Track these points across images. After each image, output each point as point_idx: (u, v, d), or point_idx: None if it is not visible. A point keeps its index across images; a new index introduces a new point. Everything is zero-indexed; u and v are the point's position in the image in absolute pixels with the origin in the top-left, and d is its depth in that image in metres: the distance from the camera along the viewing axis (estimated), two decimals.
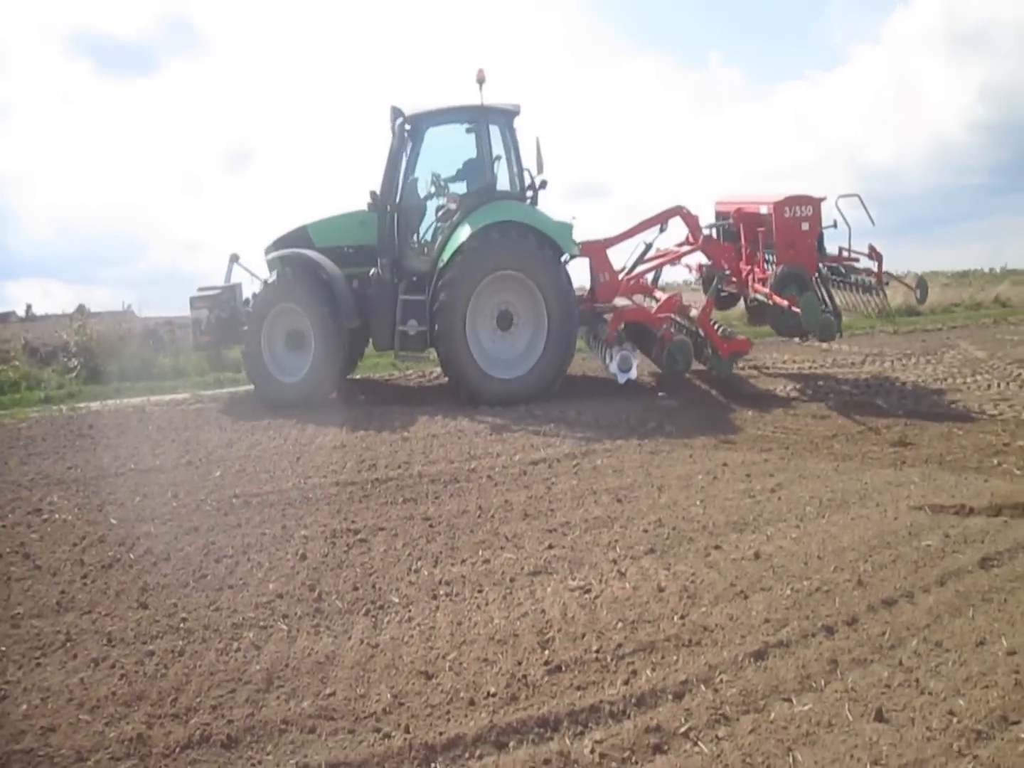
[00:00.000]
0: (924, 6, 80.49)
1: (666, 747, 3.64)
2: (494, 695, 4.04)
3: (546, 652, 4.44)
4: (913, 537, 6.08)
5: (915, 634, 4.63)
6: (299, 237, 11.60)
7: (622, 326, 12.12)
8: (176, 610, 5.04)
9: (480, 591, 5.28)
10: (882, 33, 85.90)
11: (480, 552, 5.91)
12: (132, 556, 5.93)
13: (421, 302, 11.05)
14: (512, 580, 5.44)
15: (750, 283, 12.17)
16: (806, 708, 3.89)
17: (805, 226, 11.91)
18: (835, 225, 12.22)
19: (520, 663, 4.34)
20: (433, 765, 3.54)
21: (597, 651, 4.45)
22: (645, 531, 6.26)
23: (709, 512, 6.67)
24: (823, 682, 4.12)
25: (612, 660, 4.37)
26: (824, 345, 15.24)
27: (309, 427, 9.71)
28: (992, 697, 3.93)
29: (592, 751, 3.61)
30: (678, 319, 11.91)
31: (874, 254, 12.15)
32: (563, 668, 4.29)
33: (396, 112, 11.31)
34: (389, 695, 4.04)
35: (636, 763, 3.55)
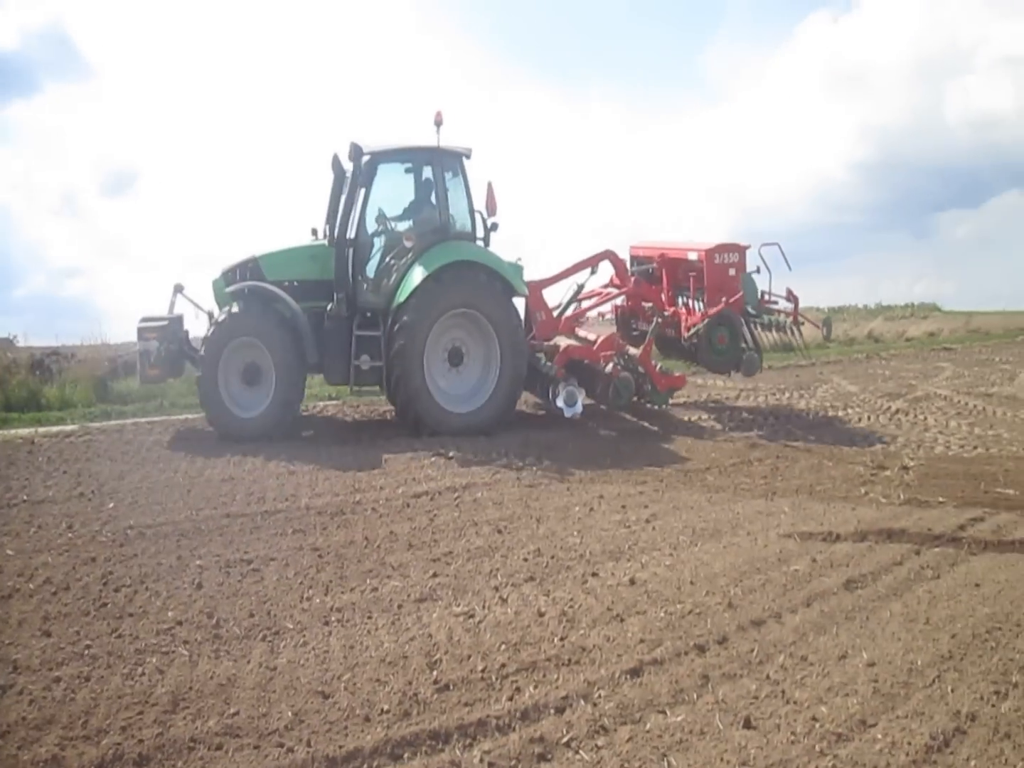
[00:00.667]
0: (805, 47, 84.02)
1: (549, 756, 4.01)
2: (388, 712, 4.36)
3: (434, 672, 4.79)
4: (782, 563, 6.66)
5: (782, 650, 5.14)
6: (249, 269, 11.60)
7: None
8: (79, 637, 5.19)
9: (370, 617, 5.59)
10: (765, 72, 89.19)
11: (368, 581, 6.22)
12: (31, 586, 6.02)
13: (376, 338, 11.35)
14: (399, 607, 5.77)
15: (684, 324, 13.07)
16: (679, 719, 4.33)
17: (732, 271, 13.00)
18: (758, 270, 13.33)
19: (410, 683, 4.67)
20: None
21: (482, 671, 4.82)
22: (525, 560, 6.68)
23: (586, 542, 7.13)
24: (695, 695, 4.57)
25: (496, 679, 4.74)
26: (720, 381, 16.32)
27: (198, 460, 9.82)
28: (852, 704, 4.44)
29: (481, 761, 3.95)
30: (618, 357, 12.57)
31: (791, 296, 13.30)
32: (451, 687, 4.64)
33: (356, 149, 11.55)
34: (290, 713, 4.32)
35: None
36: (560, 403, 11.82)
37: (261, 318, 11.16)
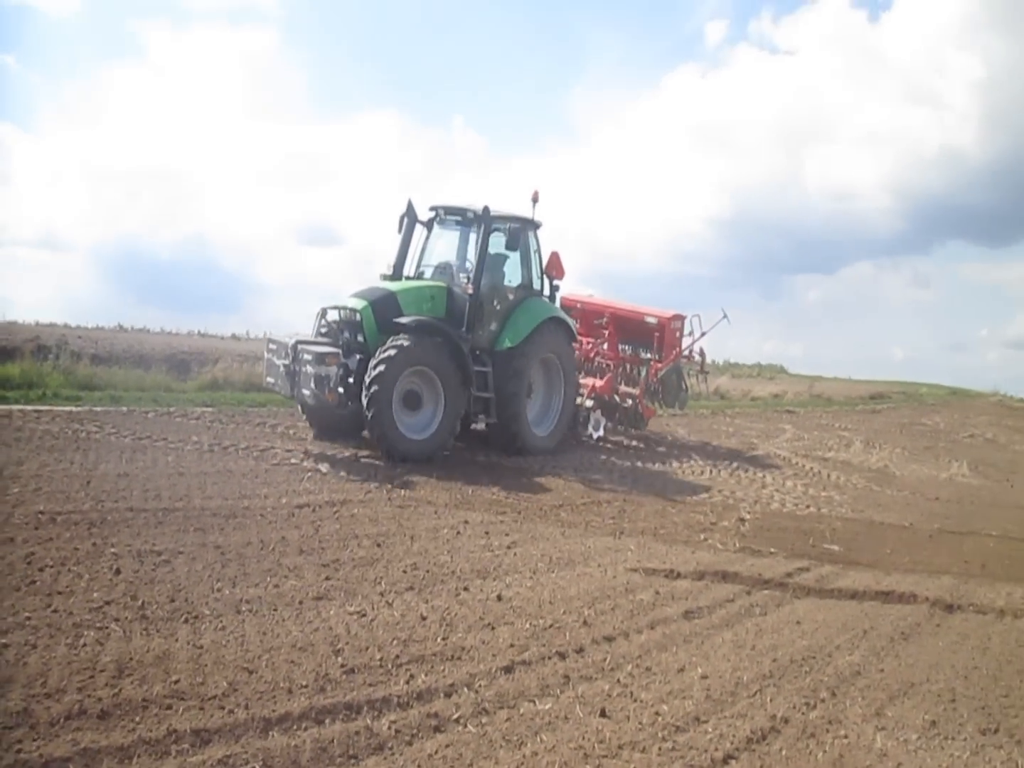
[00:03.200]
0: (670, 98, 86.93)
1: (443, 728, 4.95)
2: (306, 687, 5.20)
3: (340, 658, 5.64)
4: (629, 592, 7.78)
5: (629, 661, 6.23)
6: (387, 302, 12.91)
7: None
8: (17, 610, 5.77)
9: (275, 610, 6.37)
10: (626, 118, 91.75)
11: (269, 579, 6.99)
12: None
13: (485, 373, 13.50)
14: (300, 603, 6.57)
15: (652, 370, 17.31)
16: (547, 707, 5.35)
17: (678, 334, 17.62)
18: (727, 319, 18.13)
19: (321, 665, 5.51)
20: (271, 732, 4.67)
21: (380, 660, 5.71)
22: (404, 572, 7.59)
23: (456, 560, 8.09)
24: (558, 690, 5.60)
25: (393, 667, 5.65)
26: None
27: (90, 453, 10.28)
28: (688, 705, 5.55)
29: (389, 728, 4.87)
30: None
31: (701, 353, 18.44)
32: (356, 670, 5.51)
33: (486, 210, 13.78)
34: (224, 683, 5.10)
35: (422, 738, 4.83)
36: (590, 428, 16.24)
37: (433, 349, 12.61)
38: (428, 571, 7.70)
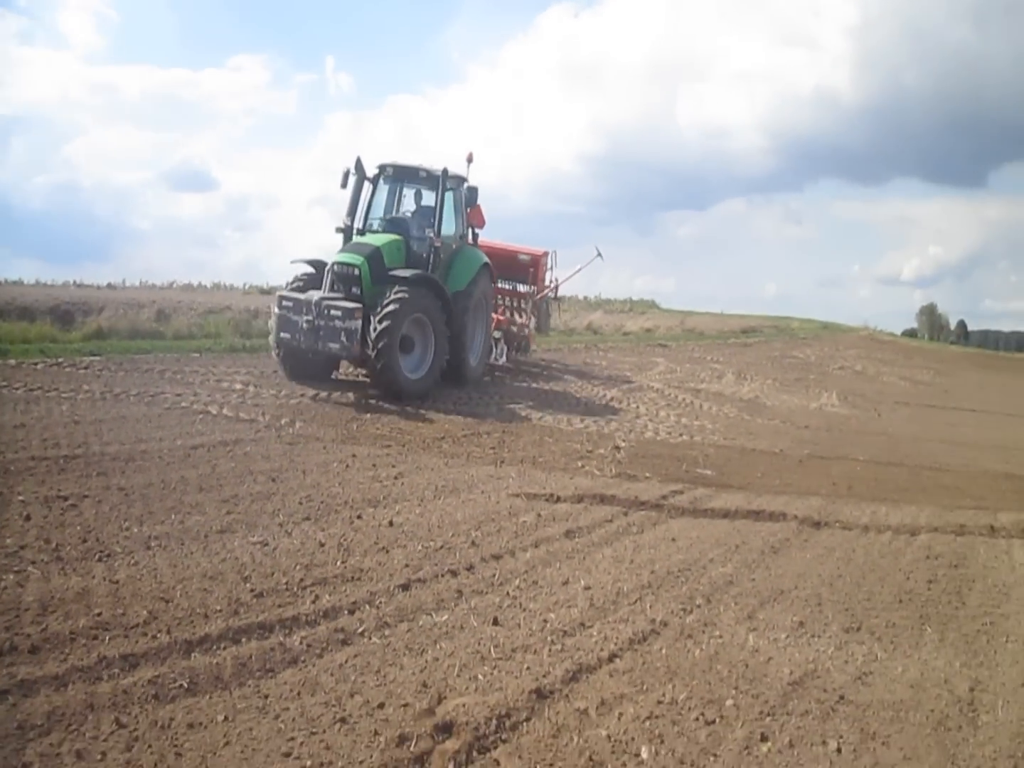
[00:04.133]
0: (540, 37, 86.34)
1: (350, 641, 5.50)
2: (220, 611, 5.67)
3: (248, 584, 6.13)
4: (512, 515, 8.45)
5: (517, 576, 6.89)
6: (375, 254, 14.28)
7: None
8: None
9: (183, 544, 6.78)
10: (500, 58, 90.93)
11: (173, 516, 7.37)
12: None
13: None
14: (206, 536, 6.99)
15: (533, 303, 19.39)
16: (443, 619, 5.97)
17: (544, 269, 19.46)
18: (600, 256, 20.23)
19: (231, 592, 5.98)
20: (194, 654, 5.15)
21: (286, 584, 6.24)
22: (300, 503, 8.08)
23: (347, 491, 8.62)
24: (453, 604, 6.23)
25: (298, 590, 6.17)
26: None
27: None
28: (573, 613, 6.24)
29: (300, 643, 5.40)
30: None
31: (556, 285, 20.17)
32: (264, 594, 6.01)
33: (444, 171, 15.27)
34: (144, 612, 5.53)
35: (331, 651, 5.37)
36: (494, 356, 17.73)
37: (425, 298, 14.15)
38: (322, 502, 8.21)
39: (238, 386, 13.26)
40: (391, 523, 7.81)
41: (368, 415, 12.53)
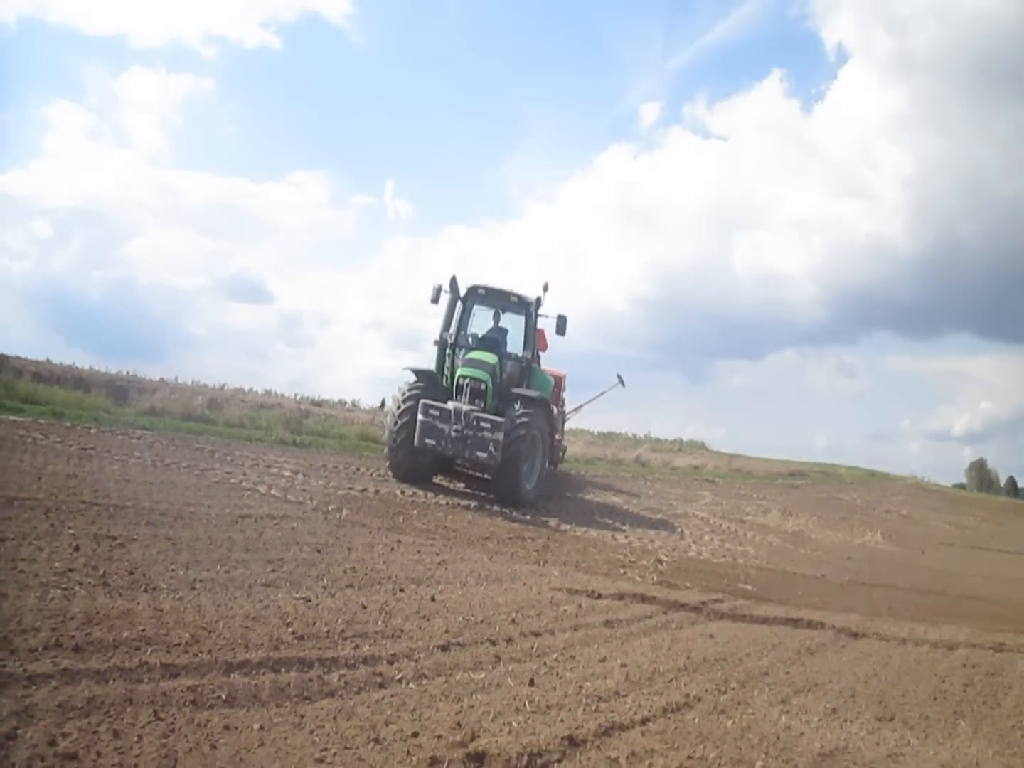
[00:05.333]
0: (600, 176, 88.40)
1: (387, 685, 5.44)
2: (261, 645, 5.65)
3: (290, 629, 6.11)
4: (553, 605, 8.38)
5: (555, 651, 6.82)
6: (494, 370, 15.62)
7: None
8: None
9: (227, 590, 6.80)
10: (558, 195, 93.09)
11: (219, 567, 7.41)
12: None
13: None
14: (250, 587, 7.01)
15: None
16: (480, 677, 5.89)
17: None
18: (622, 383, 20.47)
19: (273, 632, 5.96)
20: (233, 674, 5.12)
21: (327, 632, 6.21)
22: (344, 572, 8.08)
23: (391, 569, 8.60)
24: (491, 667, 6.15)
25: (339, 639, 6.14)
26: None
27: (39, 456, 10.56)
28: (609, 683, 6.14)
29: (339, 680, 5.36)
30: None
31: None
32: (306, 638, 5.99)
33: (537, 300, 16.39)
34: (187, 635, 5.53)
35: (368, 690, 5.33)
36: None
37: (542, 418, 15.89)
38: (366, 575, 8.18)
39: (287, 473, 13.40)
40: (433, 599, 7.76)
41: (415, 511, 12.56)
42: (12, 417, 13.48)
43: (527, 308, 16.44)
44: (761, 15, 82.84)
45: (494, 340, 16.63)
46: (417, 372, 15.76)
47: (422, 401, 14.61)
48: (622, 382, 20.15)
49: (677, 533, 15.53)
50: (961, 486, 61.98)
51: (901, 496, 32.51)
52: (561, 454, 19.38)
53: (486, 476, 16.82)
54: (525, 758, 4.67)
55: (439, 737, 4.75)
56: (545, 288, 16.47)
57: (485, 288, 16.75)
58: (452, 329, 16.50)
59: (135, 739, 4.10)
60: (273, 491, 11.62)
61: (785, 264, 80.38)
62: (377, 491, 13.62)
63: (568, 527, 14.20)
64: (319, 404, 24.42)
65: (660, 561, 12.11)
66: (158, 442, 13.84)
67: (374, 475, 15.19)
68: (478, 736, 4.83)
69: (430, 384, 15.58)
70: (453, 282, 16.26)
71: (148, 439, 13.85)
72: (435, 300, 16.28)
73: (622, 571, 10.97)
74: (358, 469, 15.43)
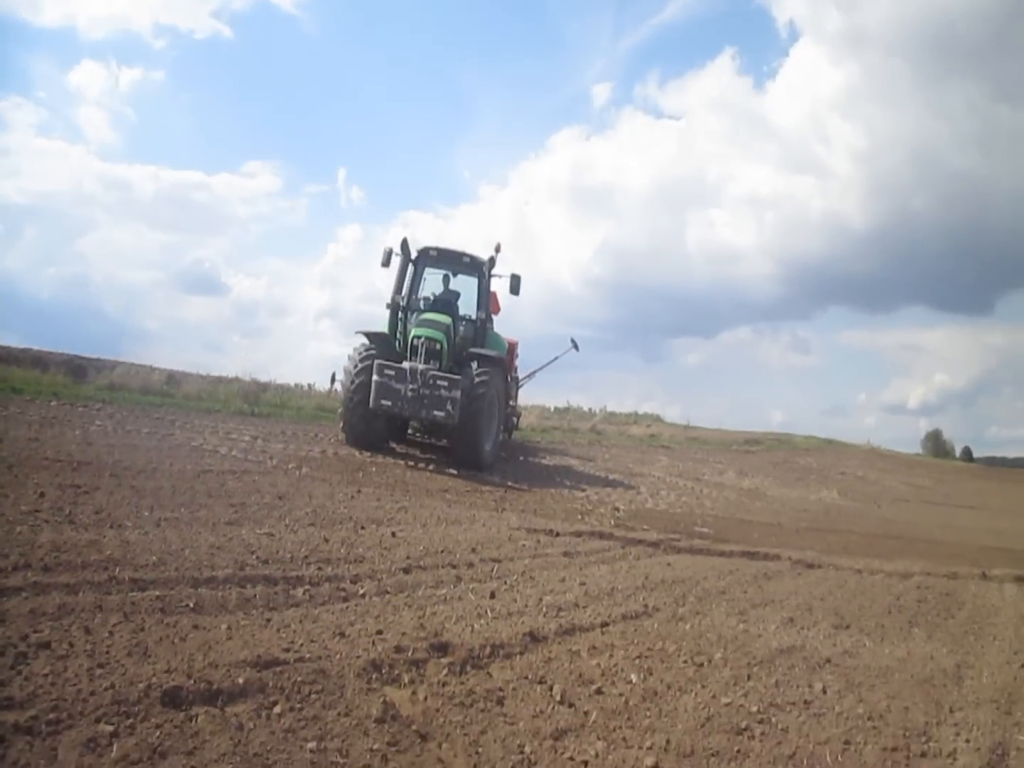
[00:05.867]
0: (551, 160, 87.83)
1: (350, 599, 5.69)
2: (227, 567, 5.81)
3: (254, 555, 6.28)
4: (512, 541, 8.64)
5: (515, 574, 7.11)
6: (448, 330, 15.31)
7: None
8: None
9: (192, 526, 6.94)
10: (511, 178, 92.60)
11: (182, 509, 7.49)
12: None
13: None
14: (213, 525, 7.12)
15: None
16: (442, 592, 6.18)
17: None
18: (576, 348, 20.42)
19: (238, 558, 6.11)
20: (201, 588, 5.30)
21: (291, 558, 6.40)
22: (306, 514, 8.25)
23: (352, 513, 8.77)
24: (452, 585, 6.44)
25: (302, 563, 6.34)
26: None
27: None
28: (568, 598, 6.45)
29: (303, 594, 5.59)
30: None
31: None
32: (270, 562, 6.19)
33: (491, 260, 16.36)
34: (153, 558, 5.68)
35: (332, 602, 5.55)
36: None
37: (499, 379, 15.72)
38: (327, 517, 8.36)
39: (247, 438, 13.46)
40: (394, 535, 7.97)
41: (374, 468, 12.73)
42: None
43: (479, 269, 16.35)
44: None
45: (447, 301, 16.49)
46: (369, 335, 15.46)
47: (376, 361, 14.34)
48: (576, 346, 20.28)
49: (634, 489, 15.81)
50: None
51: (857, 460, 33.18)
52: (516, 420, 19.41)
53: (442, 443, 16.86)
54: (488, 648, 4.96)
55: (403, 634, 5.00)
56: (497, 249, 16.48)
57: (436, 249, 16.56)
58: (404, 292, 16.26)
59: (106, 635, 4.28)
60: (234, 452, 11.71)
61: (738, 241, 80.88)
62: (336, 453, 13.71)
63: (525, 485, 14.40)
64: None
65: (617, 509, 12.42)
66: (118, 413, 13.80)
67: (332, 440, 15.21)
68: (440, 634, 5.07)
69: (384, 346, 15.34)
70: (404, 244, 16.10)
71: (108, 410, 13.81)
72: (386, 263, 16.07)
73: (580, 517, 11.25)
74: (316, 435, 15.49)
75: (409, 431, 17.63)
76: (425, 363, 14.62)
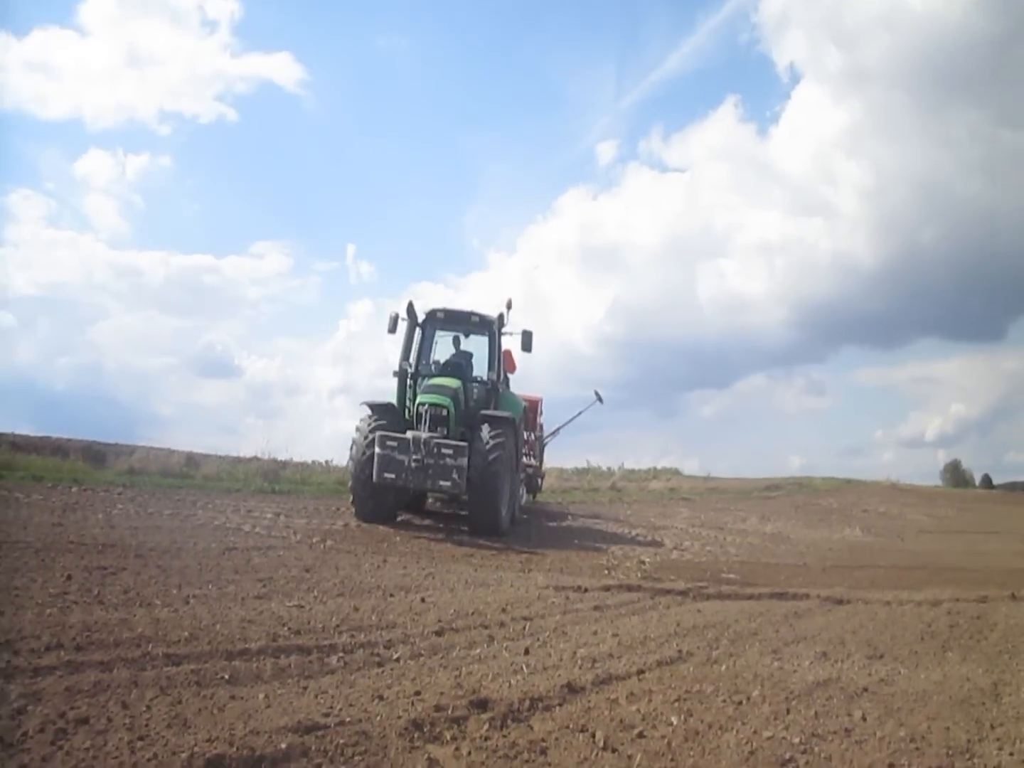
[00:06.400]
0: (558, 221, 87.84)
1: (385, 664, 5.60)
2: (259, 640, 5.76)
3: (286, 627, 6.22)
4: (542, 599, 8.55)
5: (547, 631, 7.02)
6: (457, 395, 14.63)
7: None
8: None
9: (220, 602, 6.88)
10: (519, 243, 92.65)
11: (211, 586, 7.46)
12: None
13: None
14: (243, 599, 7.08)
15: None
16: (476, 652, 6.11)
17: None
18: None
19: (270, 631, 6.05)
20: (235, 661, 5.23)
21: (322, 627, 6.35)
22: (334, 585, 8.19)
23: (379, 581, 8.69)
24: (485, 645, 6.36)
25: (334, 632, 6.28)
26: None
27: (23, 510, 10.63)
28: (602, 650, 6.37)
29: (338, 661, 5.52)
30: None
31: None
32: (302, 632, 6.13)
33: (500, 317, 15.68)
34: (186, 634, 5.64)
35: (367, 668, 5.48)
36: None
37: (512, 441, 14.84)
38: (355, 587, 8.28)
39: (269, 515, 13.42)
40: (423, 600, 7.90)
41: (398, 538, 12.64)
42: None
43: (489, 327, 15.66)
44: (712, 43, 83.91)
45: (457, 364, 15.81)
46: (372, 406, 14.73)
47: (379, 433, 13.59)
48: (600, 399, 20.23)
49: (658, 542, 15.62)
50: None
51: (877, 497, 32.84)
52: (540, 481, 19.25)
53: (461, 512, 16.28)
54: (527, 702, 4.88)
55: (441, 693, 4.94)
56: (509, 305, 15.76)
57: (443, 311, 15.88)
58: (412, 358, 15.50)
59: (144, 708, 4.24)
60: (257, 529, 11.68)
61: (749, 289, 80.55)
62: (359, 525, 13.60)
63: (549, 545, 14.19)
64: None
65: (643, 562, 12.29)
66: (139, 496, 13.83)
67: (354, 514, 15.13)
68: (479, 691, 5.00)
69: (388, 416, 14.53)
70: (410, 308, 15.49)
71: (129, 494, 13.85)
72: (392, 330, 15.35)
73: (606, 572, 11.13)
74: (338, 509, 15.37)
75: (429, 500, 17.24)
76: (431, 431, 13.91)
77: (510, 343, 16.17)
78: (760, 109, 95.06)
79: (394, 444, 13.39)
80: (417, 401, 14.47)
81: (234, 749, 3.72)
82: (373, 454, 13.47)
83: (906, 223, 72.20)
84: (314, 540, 11.36)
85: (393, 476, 13.35)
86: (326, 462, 22.11)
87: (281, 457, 20.52)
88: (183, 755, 3.61)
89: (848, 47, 71.40)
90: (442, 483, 13.38)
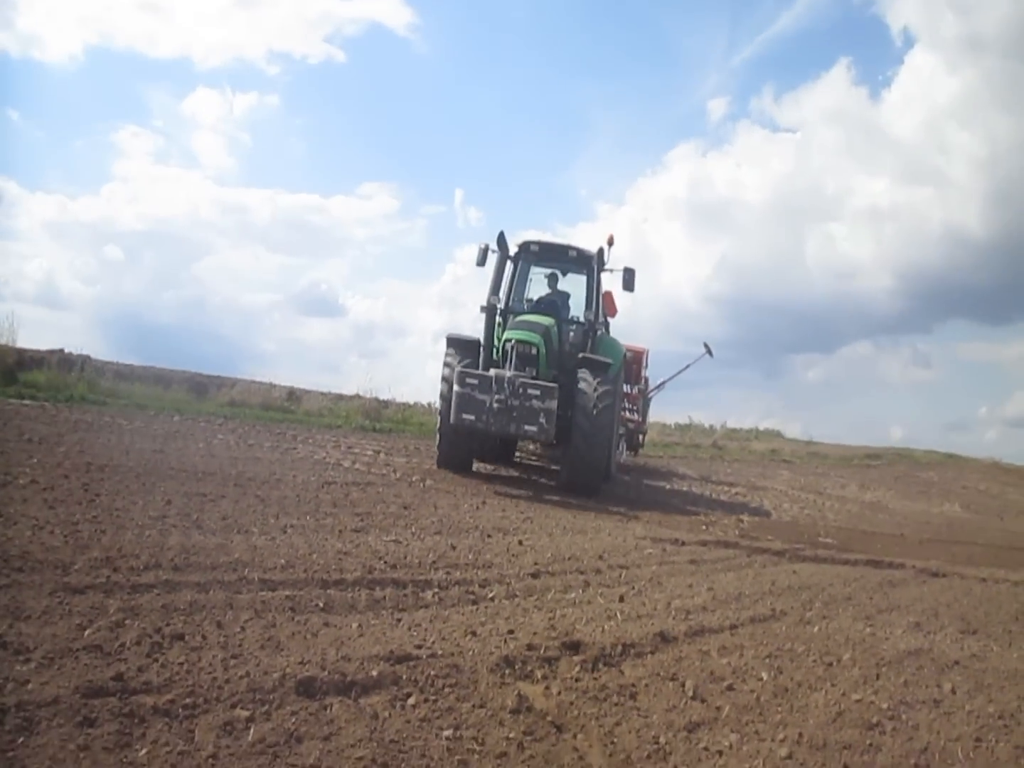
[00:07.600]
0: (667, 176, 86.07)
1: (479, 602, 5.51)
2: (355, 571, 5.68)
3: (382, 561, 6.15)
4: (638, 549, 8.38)
5: (643, 580, 6.86)
6: (548, 333, 13.07)
7: None
8: (82, 511, 6.29)
9: (318, 533, 6.88)
10: (627, 196, 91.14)
11: (309, 517, 7.48)
12: (22, 483, 7.14)
13: None
14: (340, 532, 7.04)
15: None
16: (571, 596, 5.97)
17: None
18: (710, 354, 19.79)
19: (366, 563, 5.98)
20: (330, 590, 5.18)
21: (419, 563, 6.26)
22: (431, 523, 8.13)
23: (478, 522, 8.60)
24: (580, 589, 6.23)
25: (430, 568, 6.19)
26: None
27: (125, 437, 10.87)
28: (695, 603, 6.19)
29: (432, 597, 5.43)
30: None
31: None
32: (398, 566, 6.05)
33: (600, 252, 14.08)
34: (282, 562, 5.61)
35: (462, 604, 5.37)
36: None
37: (617, 389, 14.20)
38: (453, 526, 8.21)
39: (369, 452, 13.51)
40: (520, 543, 7.77)
41: (498, 483, 12.53)
42: (97, 408, 13.85)
43: (588, 264, 14.04)
44: (825, 3, 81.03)
45: (552, 303, 14.28)
46: (454, 340, 13.40)
47: (458, 369, 12.20)
48: (710, 352, 19.36)
49: (757, 502, 15.23)
50: None
51: (978, 474, 31.54)
52: (642, 437, 18.73)
53: (553, 467, 15.15)
54: (619, 648, 4.75)
55: (534, 634, 4.80)
56: (610, 242, 14.13)
57: (538, 243, 14.21)
58: (502, 293, 13.93)
59: (238, 629, 4.19)
60: (357, 465, 11.73)
61: (858, 255, 77.86)
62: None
63: (648, 498, 13.91)
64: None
65: (741, 521, 11.98)
66: (240, 427, 14.06)
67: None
68: (571, 634, 4.85)
69: (472, 354, 13.21)
70: (501, 239, 13.83)
71: (230, 425, 14.09)
72: (481, 263, 13.89)
73: (704, 528, 10.87)
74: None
75: (518, 453, 16.16)
76: (517, 370, 12.31)
77: (611, 283, 14.74)
78: (872, 73, 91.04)
79: (474, 382, 11.92)
80: (504, 337, 13.00)
81: (325, 673, 3.65)
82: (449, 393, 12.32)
83: (1020, 196, 68.69)
84: (414, 479, 11.33)
85: (472, 418, 11.87)
86: (428, 404, 22.07)
87: (383, 396, 20.53)
88: (275, 675, 3.55)
89: (964, 12, 67.87)
90: (527, 428, 11.86)
